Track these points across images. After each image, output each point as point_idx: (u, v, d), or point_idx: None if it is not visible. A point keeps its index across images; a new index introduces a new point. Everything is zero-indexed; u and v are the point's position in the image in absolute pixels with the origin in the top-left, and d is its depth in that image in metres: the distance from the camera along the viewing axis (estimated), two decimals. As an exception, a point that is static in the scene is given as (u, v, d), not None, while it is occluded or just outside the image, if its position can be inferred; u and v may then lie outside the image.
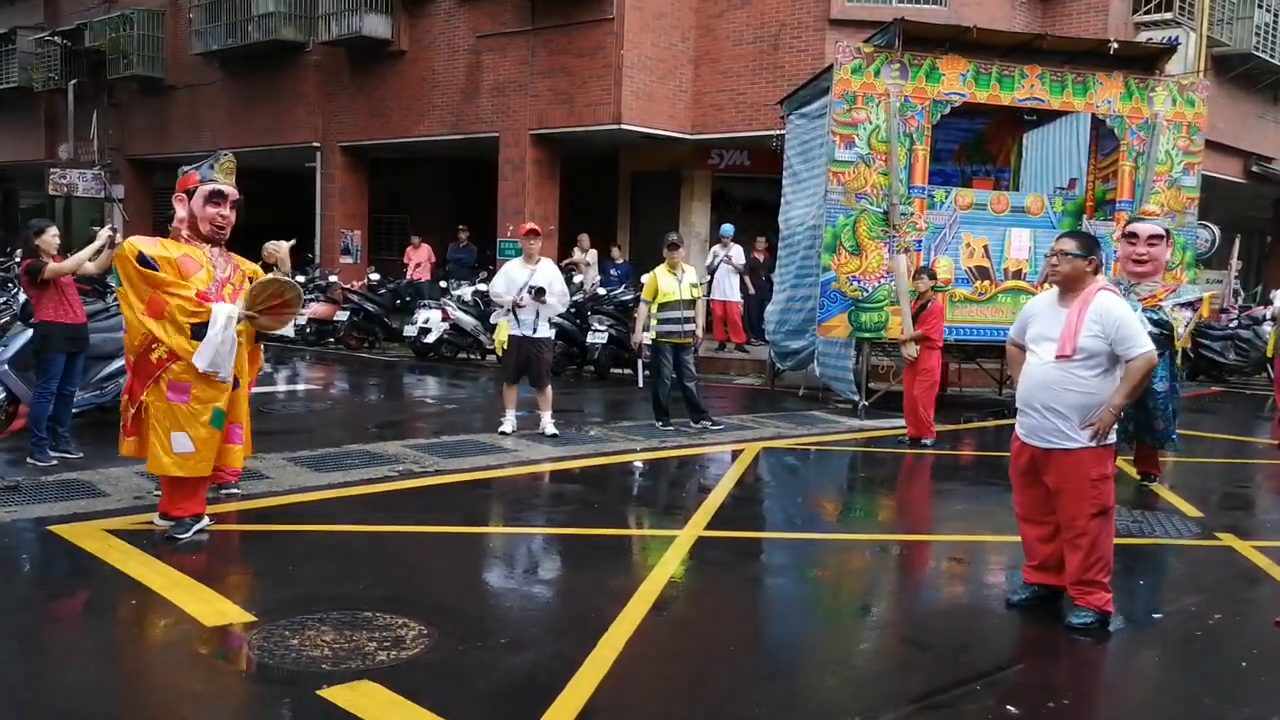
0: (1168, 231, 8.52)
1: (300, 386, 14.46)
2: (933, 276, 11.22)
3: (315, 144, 23.60)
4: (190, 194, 6.44)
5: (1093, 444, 5.21)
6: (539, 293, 10.08)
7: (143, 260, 6.18)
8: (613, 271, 18.56)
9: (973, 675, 4.71)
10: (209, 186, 6.38)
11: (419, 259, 21.59)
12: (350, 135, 23.10)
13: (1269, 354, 13.53)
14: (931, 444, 10.67)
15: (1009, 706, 4.41)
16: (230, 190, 6.47)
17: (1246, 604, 6.01)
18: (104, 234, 8.13)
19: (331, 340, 19.43)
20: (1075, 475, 5.26)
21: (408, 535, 6.85)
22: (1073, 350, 5.20)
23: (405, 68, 21.75)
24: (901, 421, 11.65)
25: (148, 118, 27.64)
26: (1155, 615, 5.66)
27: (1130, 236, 8.40)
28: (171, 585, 5.47)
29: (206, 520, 6.54)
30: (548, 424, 10.27)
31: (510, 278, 10.30)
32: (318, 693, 4.22)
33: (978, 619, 5.61)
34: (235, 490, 7.51)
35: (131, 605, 5.24)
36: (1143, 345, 5.14)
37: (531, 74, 19.55)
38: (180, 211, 6.47)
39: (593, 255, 19.29)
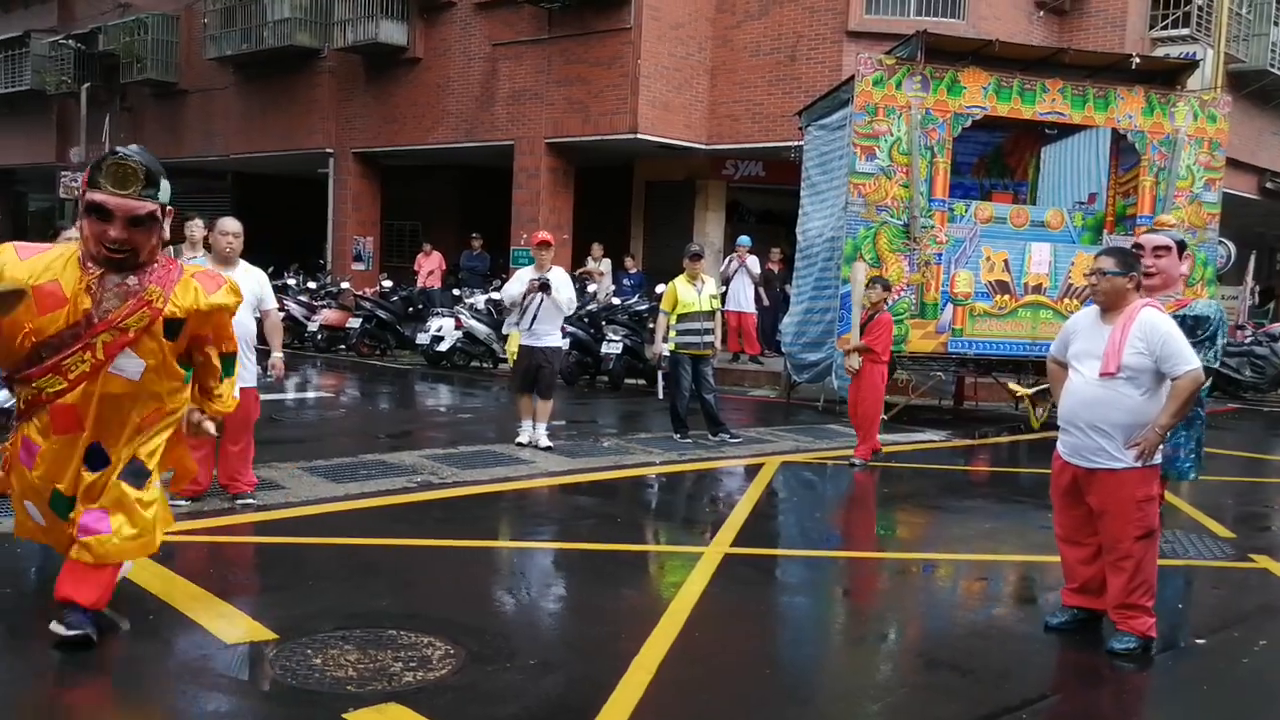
0: (1181, 243, 8.42)
1: (312, 394, 14.37)
2: (886, 288, 10.61)
3: (329, 150, 23.56)
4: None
5: (1138, 464, 5.08)
6: (545, 285, 9.96)
7: None
8: (626, 281, 18.48)
9: (1016, 703, 4.58)
10: (89, 196, 4.59)
11: (430, 266, 21.51)
12: (364, 142, 23.05)
13: None
14: (862, 465, 10.07)
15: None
16: (117, 205, 4.56)
17: (1290, 630, 5.88)
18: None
19: (343, 347, 19.35)
20: (1120, 496, 5.13)
21: (429, 549, 6.73)
22: (1117, 367, 5.08)
23: (420, 75, 21.70)
24: (922, 435, 11.56)
25: (160, 122, 27.63)
26: (1199, 641, 5.52)
27: (1136, 248, 8.30)
28: (188, 599, 5.35)
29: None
30: (541, 436, 10.12)
31: (522, 282, 10.20)
32: (344, 716, 4.09)
33: (1016, 642, 5.47)
34: (251, 500, 7.40)
35: (148, 620, 5.11)
36: (1189, 362, 5.01)
37: (547, 82, 19.49)
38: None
39: (607, 265, 19.21)
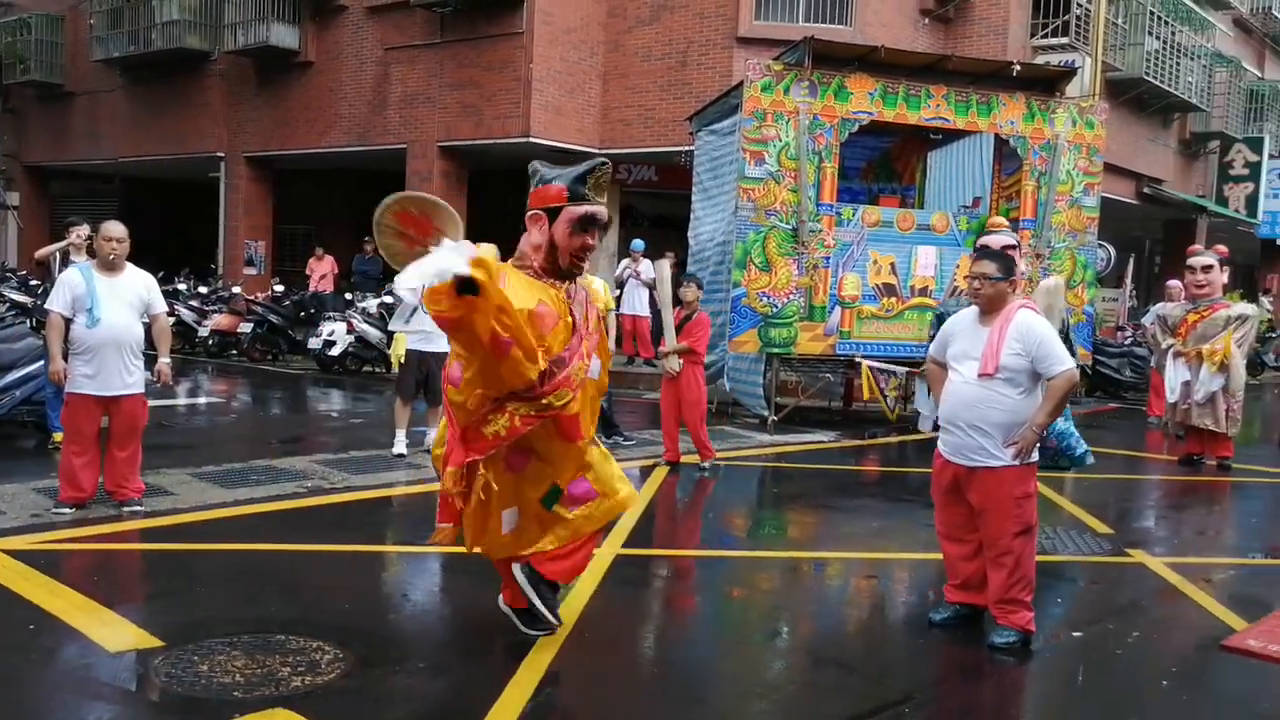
0: (1017, 244, 8.73)
1: (203, 400, 14.12)
2: (700, 286, 10.42)
3: (219, 154, 23.20)
4: (553, 213, 4.77)
5: (1016, 462, 5.24)
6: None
7: None
8: (520, 284, 18.41)
9: (899, 697, 4.70)
10: (584, 209, 4.73)
11: (322, 270, 21.29)
12: (255, 146, 22.73)
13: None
14: (710, 466, 9.96)
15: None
16: (605, 214, 4.88)
17: (1163, 621, 6.10)
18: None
19: (234, 352, 19.02)
20: (999, 494, 5.29)
21: (319, 554, 6.68)
22: (995, 369, 5.23)
23: (312, 78, 21.47)
24: (811, 436, 11.73)
25: (45, 124, 26.98)
26: (1076, 634, 5.70)
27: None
28: (72, 609, 5.25)
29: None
30: (430, 442, 10.00)
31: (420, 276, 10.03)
32: (230, 722, 4.08)
33: (900, 639, 5.62)
34: (138, 507, 7.27)
35: (29, 630, 5.00)
36: (1063, 363, 5.18)
37: (440, 86, 19.42)
38: (535, 235, 4.83)
39: (502, 268, 19.16)
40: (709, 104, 14.64)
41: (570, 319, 4.76)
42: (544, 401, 4.62)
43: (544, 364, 4.57)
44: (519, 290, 4.54)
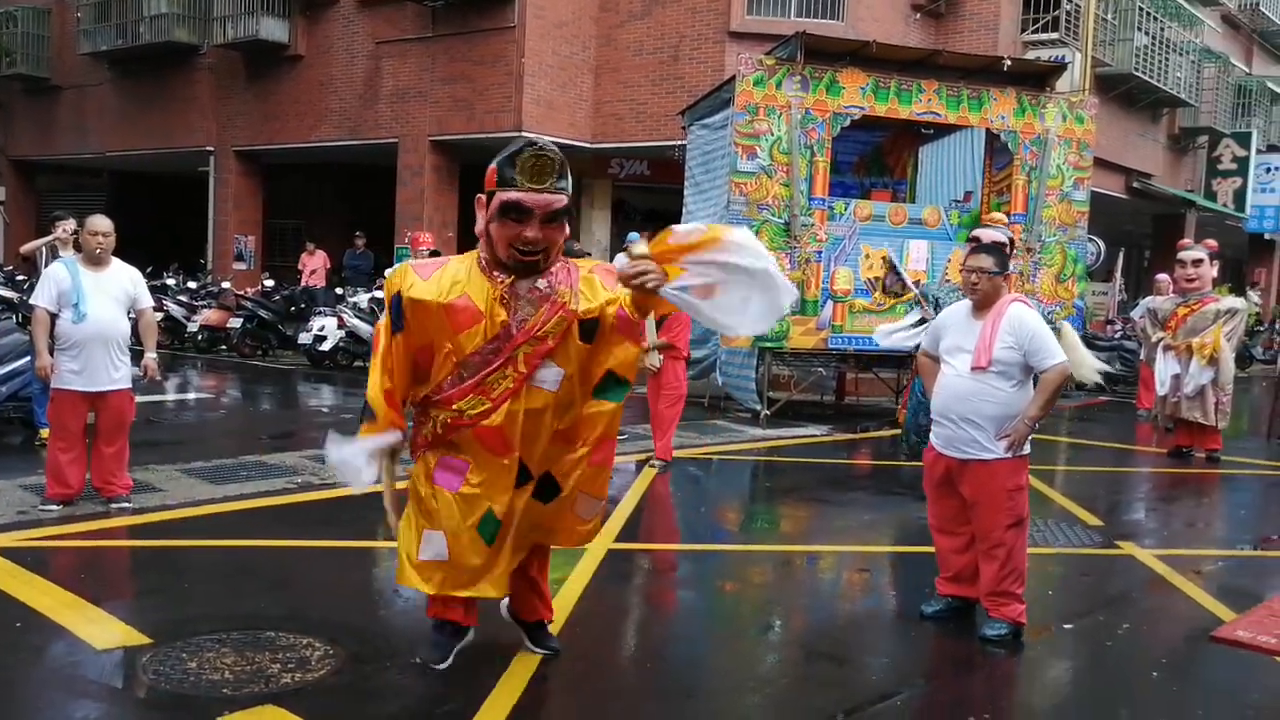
0: (1011, 241, 8.72)
1: (192, 395, 14.07)
2: None
3: (209, 148, 23.10)
4: (491, 198, 4.31)
5: (1008, 455, 5.24)
6: None
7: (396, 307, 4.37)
8: (512, 279, 18.39)
9: (891, 690, 4.70)
10: (503, 196, 4.21)
11: (314, 265, 21.21)
12: (245, 140, 22.64)
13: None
14: (663, 466, 9.60)
15: (928, 721, 4.43)
16: (535, 201, 4.20)
17: (1152, 613, 6.12)
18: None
19: (224, 348, 18.95)
20: (991, 486, 5.29)
21: (309, 550, 6.65)
22: (988, 362, 5.24)
23: (302, 72, 21.39)
24: (804, 431, 11.72)
25: (32, 118, 26.85)
26: (1066, 626, 5.71)
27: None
28: (59, 606, 5.21)
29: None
30: None
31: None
32: (218, 719, 4.04)
33: (892, 632, 5.62)
34: (126, 504, 7.23)
35: (16, 629, 4.96)
36: (1055, 356, 5.20)
37: (431, 80, 19.36)
38: (479, 221, 4.40)
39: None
40: (701, 98, 14.62)
41: (503, 319, 4.25)
42: (454, 408, 4.32)
43: (448, 365, 4.31)
44: (441, 281, 4.29)
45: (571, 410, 4.43)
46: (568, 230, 4.44)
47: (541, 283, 4.32)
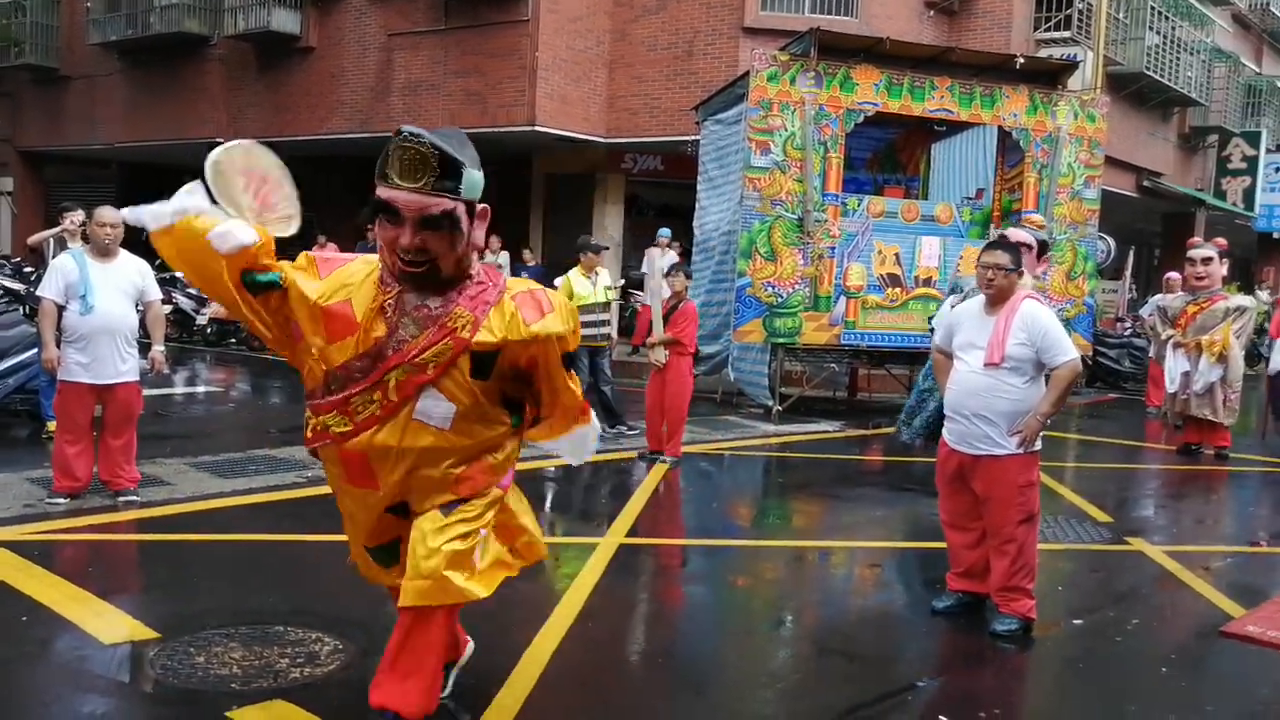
0: (1043, 244, 8.67)
1: (201, 388, 14.08)
2: (688, 276, 9.91)
3: (219, 139, 22.87)
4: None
5: (1020, 451, 5.23)
6: None
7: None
8: (524, 274, 18.35)
9: (902, 685, 4.69)
10: (378, 191, 3.51)
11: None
12: (256, 132, 22.53)
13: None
14: (675, 462, 9.54)
15: (940, 717, 4.39)
16: (406, 202, 3.45)
17: (1162, 609, 6.11)
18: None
19: (234, 341, 18.98)
20: (1003, 481, 5.28)
21: (317, 544, 6.60)
22: (1001, 358, 5.23)
23: (313, 64, 21.37)
24: (816, 426, 11.68)
25: (41, 109, 26.83)
26: (1076, 621, 5.68)
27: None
28: (66, 600, 5.19)
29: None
30: None
31: None
32: (227, 714, 4.02)
33: (903, 627, 5.59)
34: (134, 497, 7.21)
35: (22, 622, 4.93)
36: (1067, 353, 5.19)
37: (444, 74, 19.31)
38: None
39: (505, 257, 19.09)
40: (715, 94, 14.60)
41: (378, 336, 3.62)
42: (321, 419, 3.72)
43: (318, 371, 3.72)
44: (332, 281, 3.73)
45: (471, 452, 3.78)
46: (479, 241, 3.69)
47: (434, 301, 3.63)
